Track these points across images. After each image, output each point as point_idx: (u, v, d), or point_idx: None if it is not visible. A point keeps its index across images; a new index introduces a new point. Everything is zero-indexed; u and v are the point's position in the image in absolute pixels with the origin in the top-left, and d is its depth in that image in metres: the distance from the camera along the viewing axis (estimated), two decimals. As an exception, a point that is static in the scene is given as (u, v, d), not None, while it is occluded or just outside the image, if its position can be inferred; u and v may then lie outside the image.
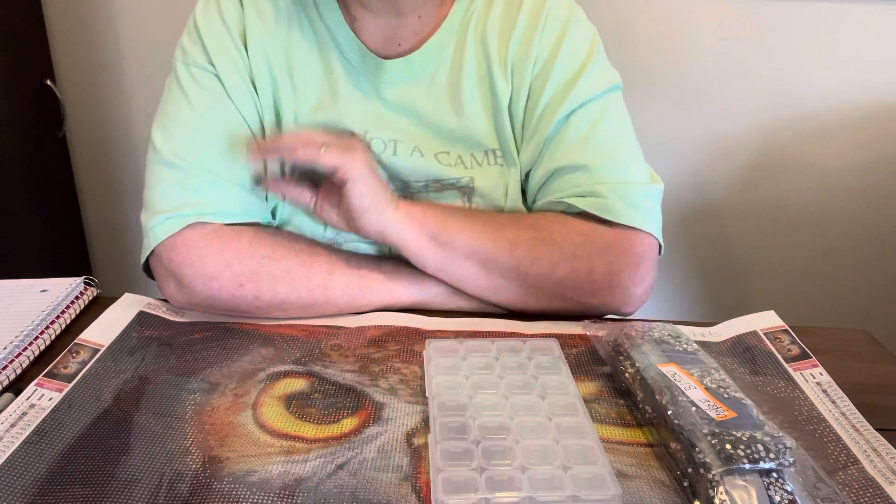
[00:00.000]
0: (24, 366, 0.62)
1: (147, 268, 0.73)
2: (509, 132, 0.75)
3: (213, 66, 0.71)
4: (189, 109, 0.71)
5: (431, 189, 0.75)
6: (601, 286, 0.69)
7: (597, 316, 0.71)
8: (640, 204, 0.70)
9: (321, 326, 0.69)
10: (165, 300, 0.71)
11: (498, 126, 0.75)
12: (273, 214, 0.75)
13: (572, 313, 0.71)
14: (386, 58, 0.74)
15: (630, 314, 0.72)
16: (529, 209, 0.77)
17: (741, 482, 0.46)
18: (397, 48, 0.74)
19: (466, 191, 0.75)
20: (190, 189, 0.69)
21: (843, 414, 0.58)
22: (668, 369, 0.57)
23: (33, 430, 0.54)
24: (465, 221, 0.70)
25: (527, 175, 0.76)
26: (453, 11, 0.75)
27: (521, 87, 0.74)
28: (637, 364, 0.59)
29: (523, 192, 0.77)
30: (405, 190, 0.75)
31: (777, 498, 0.46)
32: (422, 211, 0.69)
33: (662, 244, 0.72)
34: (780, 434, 0.49)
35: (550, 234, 0.70)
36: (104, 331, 0.67)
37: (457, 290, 0.74)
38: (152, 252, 0.68)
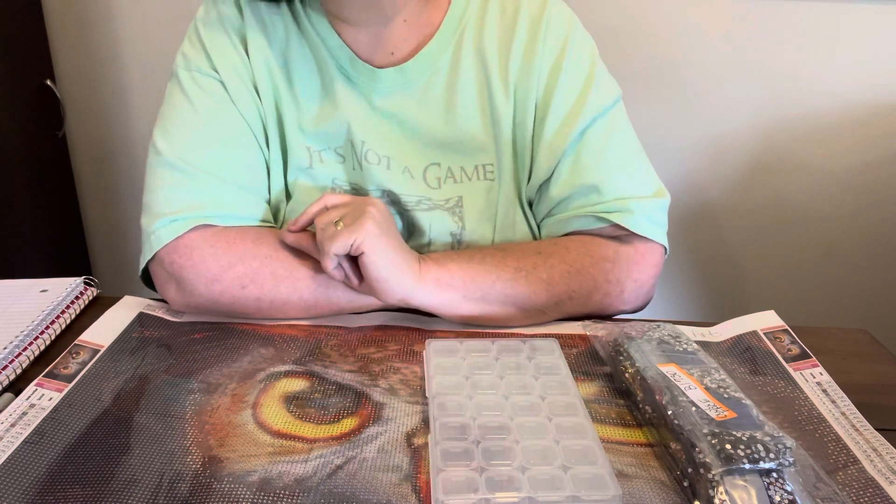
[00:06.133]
0: (24, 366, 0.62)
1: (145, 275, 0.72)
2: (509, 146, 0.75)
3: (217, 71, 0.71)
4: (192, 112, 0.71)
5: (423, 207, 0.75)
6: (630, 298, 0.73)
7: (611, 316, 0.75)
8: (657, 217, 0.73)
9: (321, 326, 0.69)
10: (165, 301, 0.71)
11: (497, 138, 0.75)
12: (274, 217, 0.75)
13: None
14: (379, 67, 0.73)
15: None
16: (539, 222, 0.77)
17: (741, 482, 0.46)
18: (390, 57, 0.74)
19: (456, 210, 0.75)
20: (193, 192, 0.69)
21: (843, 414, 0.58)
22: (668, 369, 0.57)
23: (33, 430, 0.54)
24: (495, 270, 0.68)
25: (539, 187, 0.75)
26: (447, 19, 0.74)
27: (527, 104, 0.73)
28: (637, 364, 0.59)
29: (529, 204, 0.77)
30: (398, 205, 0.75)
31: (777, 498, 0.46)
32: (448, 273, 0.67)
33: (668, 249, 0.76)
34: (780, 434, 0.49)
35: (582, 267, 0.70)
36: (104, 332, 0.67)
37: None
38: (153, 256, 0.68)
